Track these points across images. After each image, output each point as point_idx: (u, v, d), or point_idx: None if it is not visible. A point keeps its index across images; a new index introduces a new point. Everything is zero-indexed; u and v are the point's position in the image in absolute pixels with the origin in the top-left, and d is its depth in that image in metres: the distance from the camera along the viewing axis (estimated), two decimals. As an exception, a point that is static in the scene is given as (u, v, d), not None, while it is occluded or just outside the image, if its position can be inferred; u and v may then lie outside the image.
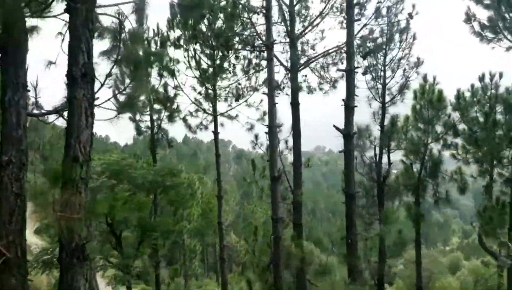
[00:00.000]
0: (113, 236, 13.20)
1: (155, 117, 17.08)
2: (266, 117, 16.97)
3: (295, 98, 13.90)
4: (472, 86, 16.63)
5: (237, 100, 17.85)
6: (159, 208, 17.59)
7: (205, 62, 17.19)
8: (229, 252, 27.83)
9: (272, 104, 10.41)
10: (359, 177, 14.58)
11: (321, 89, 15.17)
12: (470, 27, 14.13)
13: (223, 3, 14.46)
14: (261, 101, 17.27)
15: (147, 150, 17.96)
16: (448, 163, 17.84)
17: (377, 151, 14.51)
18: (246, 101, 18.33)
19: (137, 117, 16.62)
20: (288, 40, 14.30)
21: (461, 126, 16.85)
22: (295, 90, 13.94)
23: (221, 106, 18.46)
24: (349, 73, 10.64)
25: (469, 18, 14.13)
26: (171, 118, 16.64)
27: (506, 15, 12.81)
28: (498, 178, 16.41)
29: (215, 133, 17.84)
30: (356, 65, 13.91)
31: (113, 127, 5.56)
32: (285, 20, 13.40)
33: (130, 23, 5.24)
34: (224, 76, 17.59)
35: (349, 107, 10.44)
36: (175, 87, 16.76)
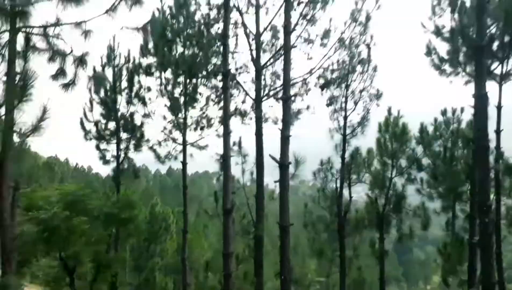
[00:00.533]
0: (65, 272, 12.68)
1: (123, 146, 16.99)
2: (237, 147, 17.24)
3: (258, 128, 13.99)
4: (435, 120, 17.02)
5: (201, 128, 17.92)
6: (129, 243, 17.05)
7: (176, 91, 17.39)
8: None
9: (226, 134, 10.41)
10: (321, 211, 14.55)
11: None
12: (430, 60, 14.59)
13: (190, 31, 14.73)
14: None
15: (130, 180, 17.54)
16: (413, 198, 18.01)
17: (338, 184, 14.51)
18: (216, 130, 18.48)
19: (103, 145, 16.47)
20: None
21: (426, 161, 17.19)
22: (259, 120, 14.04)
23: (192, 136, 18.57)
24: (285, 101, 10.55)
25: (429, 51, 14.60)
26: (137, 147, 16.50)
27: (464, 48, 13.17)
28: (461, 213, 16.53)
29: (184, 163, 17.70)
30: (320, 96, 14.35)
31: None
32: (251, 50, 13.65)
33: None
34: (195, 104, 17.71)
35: (284, 137, 10.20)
36: (145, 115, 16.78)
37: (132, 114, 16.45)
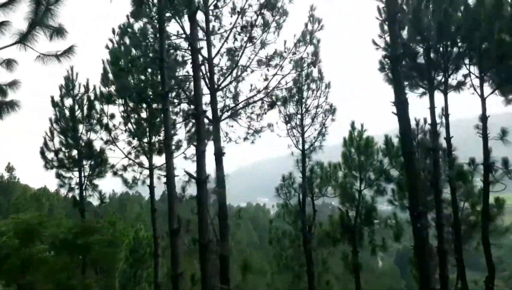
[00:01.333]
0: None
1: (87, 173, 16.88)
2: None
3: (217, 149, 13.93)
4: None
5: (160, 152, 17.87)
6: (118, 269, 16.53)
7: (138, 117, 17.40)
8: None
9: (168, 154, 10.30)
10: (287, 226, 14.37)
11: (246, 139, 15.24)
12: (384, 75, 14.75)
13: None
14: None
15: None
16: (386, 210, 17.86)
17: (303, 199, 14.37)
18: (184, 153, 18.45)
19: (66, 173, 16.35)
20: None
21: (395, 172, 17.14)
22: (216, 140, 13.99)
23: (159, 160, 18.52)
24: (197, 117, 10.45)
25: (383, 66, 14.78)
26: (100, 174, 16.38)
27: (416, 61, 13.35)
28: (433, 222, 16.39)
29: (151, 187, 17.59)
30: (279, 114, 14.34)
31: None
32: (205, 72, 13.70)
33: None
34: (159, 129, 17.72)
35: (199, 151, 10.11)
36: (107, 142, 16.71)
37: (91, 142, 16.31)
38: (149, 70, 15.05)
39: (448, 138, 13.06)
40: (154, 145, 17.77)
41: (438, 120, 13.89)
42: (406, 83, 14.57)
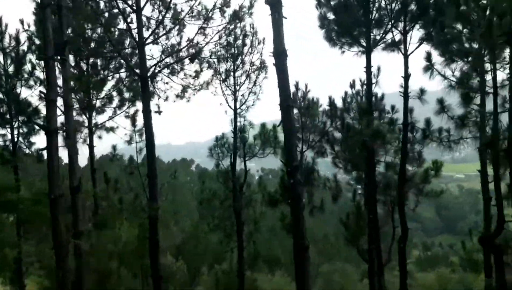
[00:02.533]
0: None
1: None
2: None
3: (146, 106, 13.50)
4: (346, 93, 16.75)
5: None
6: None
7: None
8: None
9: (67, 107, 9.80)
10: (219, 186, 14.24)
11: (177, 96, 14.81)
12: (324, 32, 14.24)
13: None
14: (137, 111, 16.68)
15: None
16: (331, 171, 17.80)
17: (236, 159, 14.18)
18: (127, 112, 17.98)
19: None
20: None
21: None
22: (146, 98, 13.55)
23: (102, 118, 18.05)
24: (47, 62, 9.22)
25: (323, 24, 14.24)
26: (33, 131, 15.85)
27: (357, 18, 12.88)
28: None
29: (90, 146, 17.21)
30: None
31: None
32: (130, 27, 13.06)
33: None
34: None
35: (49, 100, 9.13)
36: (41, 98, 16.02)
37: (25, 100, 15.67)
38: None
39: (369, 96, 12.74)
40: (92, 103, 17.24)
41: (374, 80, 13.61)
42: (344, 40, 14.19)
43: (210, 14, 13.12)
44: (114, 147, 15.28)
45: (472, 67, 9.99)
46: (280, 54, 7.71)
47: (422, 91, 11.23)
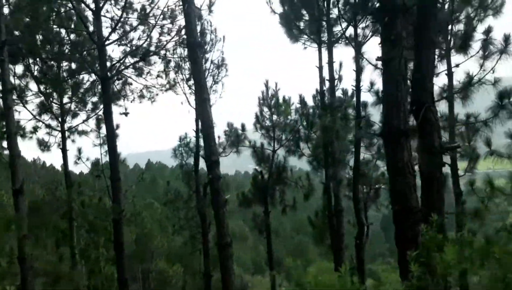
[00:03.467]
0: None
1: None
2: (118, 132, 16.69)
3: (107, 108, 13.43)
4: (317, 90, 16.55)
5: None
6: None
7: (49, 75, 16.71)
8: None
9: (6, 108, 9.75)
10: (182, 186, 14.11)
11: (141, 96, 14.74)
12: (285, 29, 14.07)
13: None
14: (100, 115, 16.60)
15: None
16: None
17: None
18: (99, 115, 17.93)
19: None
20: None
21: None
22: (107, 100, 13.47)
23: (75, 122, 18.04)
24: None
25: (284, 20, 14.08)
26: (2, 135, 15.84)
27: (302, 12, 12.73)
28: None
29: (63, 150, 17.18)
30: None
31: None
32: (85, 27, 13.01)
33: None
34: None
35: None
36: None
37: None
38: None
39: (332, 91, 12.56)
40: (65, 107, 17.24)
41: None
42: (306, 37, 14.01)
43: (169, 14, 13.03)
44: (79, 150, 15.26)
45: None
46: (192, 45, 7.59)
47: (372, 84, 11.00)
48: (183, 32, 13.71)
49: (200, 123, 11.28)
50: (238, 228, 30.33)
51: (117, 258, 13.74)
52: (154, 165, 75.59)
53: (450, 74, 9.60)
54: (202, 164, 14.34)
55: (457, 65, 9.31)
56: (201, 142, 14.29)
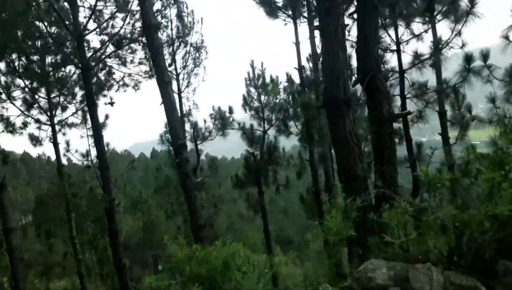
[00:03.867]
0: None
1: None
2: (107, 122, 16.68)
3: (90, 99, 13.39)
4: (303, 67, 16.28)
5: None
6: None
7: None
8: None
9: None
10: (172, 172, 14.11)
11: (124, 85, 14.63)
12: (266, 8, 13.82)
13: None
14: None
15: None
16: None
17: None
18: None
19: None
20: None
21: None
22: (89, 90, 13.40)
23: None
24: None
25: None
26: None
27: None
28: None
29: (55, 143, 17.24)
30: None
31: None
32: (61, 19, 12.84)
33: None
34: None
35: None
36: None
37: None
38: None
39: (315, 67, 12.36)
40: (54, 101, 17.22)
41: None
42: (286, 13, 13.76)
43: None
44: (67, 143, 15.30)
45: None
46: (148, 28, 7.44)
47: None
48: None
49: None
50: (244, 210, 30.69)
51: (112, 246, 13.94)
52: (159, 154, 75.81)
53: (398, 45, 9.21)
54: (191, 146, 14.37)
55: (425, 31, 9.02)
56: (187, 128, 14.31)
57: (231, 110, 15.63)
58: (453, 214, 2.29)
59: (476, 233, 2.25)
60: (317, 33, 13.37)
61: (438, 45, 8.29)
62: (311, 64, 15.51)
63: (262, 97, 16.17)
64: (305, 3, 12.92)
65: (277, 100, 16.38)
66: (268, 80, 16.24)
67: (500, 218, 2.15)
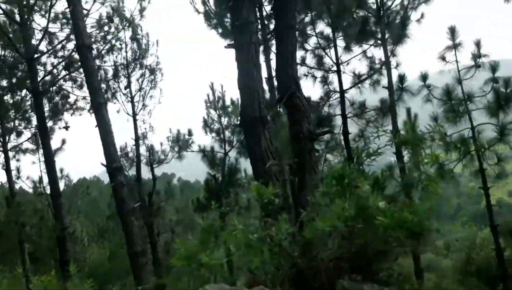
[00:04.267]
0: None
1: None
2: (64, 147, 16.18)
3: (41, 124, 13.02)
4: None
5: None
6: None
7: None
8: None
9: None
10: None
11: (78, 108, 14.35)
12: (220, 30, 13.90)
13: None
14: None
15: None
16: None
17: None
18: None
19: None
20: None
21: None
22: (41, 114, 13.05)
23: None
24: None
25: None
26: None
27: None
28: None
29: (7, 170, 16.56)
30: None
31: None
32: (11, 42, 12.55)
33: None
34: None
35: None
36: None
37: None
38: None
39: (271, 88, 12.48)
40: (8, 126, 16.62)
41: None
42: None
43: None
44: (18, 169, 14.75)
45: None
46: (80, 48, 7.33)
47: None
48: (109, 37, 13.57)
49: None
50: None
51: (62, 276, 13.32)
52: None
53: (338, 65, 9.52)
54: (146, 173, 14.09)
55: (363, 52, 9.32)
56: (143, 151, 14.08)
57: (190, 133, 15.52)
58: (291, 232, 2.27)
59: (314, 251, 2.22)
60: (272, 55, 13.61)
61: (373, 66, 8.56)
62: (266, 87, 15.73)
63: (223, 119, 16.22)
64: (260, 27, 13.05)
65: (238, 122, 16.44)
66: (228, 102, 16.36)
67: (343, 235, 2.13)
